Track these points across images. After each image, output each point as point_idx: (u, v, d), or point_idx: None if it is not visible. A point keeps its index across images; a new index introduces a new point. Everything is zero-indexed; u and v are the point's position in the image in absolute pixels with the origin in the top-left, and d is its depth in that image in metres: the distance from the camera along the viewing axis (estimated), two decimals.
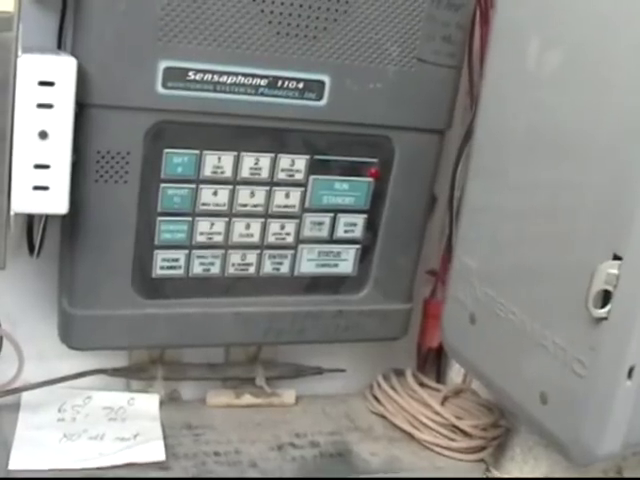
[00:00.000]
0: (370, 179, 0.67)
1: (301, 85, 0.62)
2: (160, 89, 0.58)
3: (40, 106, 0.56)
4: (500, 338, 0.60)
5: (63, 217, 0.60)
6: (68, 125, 0.56)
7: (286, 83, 0.61)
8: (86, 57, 0.57)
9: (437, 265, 0.76)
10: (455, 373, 0.80)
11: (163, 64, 0.58)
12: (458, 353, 0.66)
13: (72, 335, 0.64)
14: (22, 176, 0.56)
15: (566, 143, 0.55)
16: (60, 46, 0.62)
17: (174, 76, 0.58)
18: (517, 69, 0.59)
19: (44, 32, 0.61)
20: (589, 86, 0.53)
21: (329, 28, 0.61)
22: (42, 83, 0.55)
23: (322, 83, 0.62)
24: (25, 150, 0.56)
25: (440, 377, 0.81)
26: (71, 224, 0.60)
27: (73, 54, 0.57)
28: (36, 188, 0.57)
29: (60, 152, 0.57)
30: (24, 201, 0.57)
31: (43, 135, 0.56)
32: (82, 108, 0.58)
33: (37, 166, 0.56)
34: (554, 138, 0.56)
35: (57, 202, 0.58)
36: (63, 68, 0.55)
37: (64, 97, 0.56)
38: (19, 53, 0.54)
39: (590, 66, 0.53)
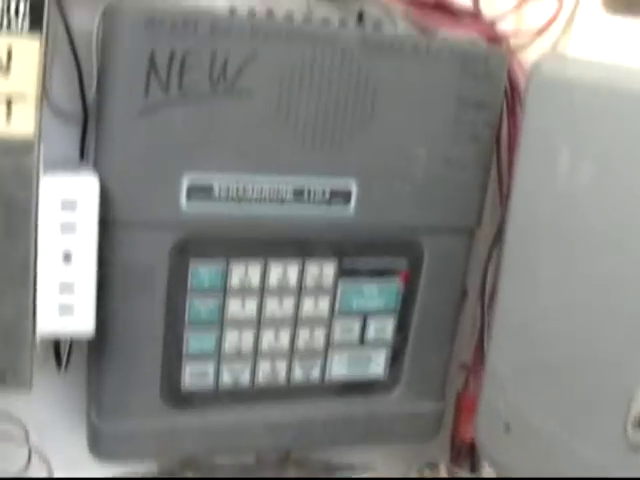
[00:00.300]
0: (400, 282, 0.63)
1: (328, 193, 0.59)
2: (184, 204, 0.56)
3: (63, 228, 0.53)
4: (536, 449, 0.56)
5: None
6: (92, 246, 0.54)
7: (312, 192, 0.58)
8: (108, 174, 0.54)
9: (469, 357, 0.72)
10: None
11: (187, 179, 0.55)
12: (492, 458, 0.62)
13: (101, 447, 0.61)
14: (47, 299, 0.54)
15: (601, 246, 0.52)
16: (83, 156, 0.59)
17: (198, 191, 0.56)
18: (547, 176, 0.55)
19: (66, 142, 0.58)
20: (623, 200, 0.50)
21: (355, 135, 0.58)
22: (64, 205, 0.53)
23: (349, 190, 0.59)
24: (49, 273, 0.53)
25: (475, 467, 0.77)
26: (98, 338, 0.57)
27: (95, 169, 0.55)
28: (61, 310, 0.54)
29: (85, 273, 0.54)
30: (49, 324, 0.54)
31: (67, 257, 0.53)
32: (106, 225, 0.55)
33: (62, 288, 0.54)
34: (588, 241, 0.53)
35: (83, 324, 0.55)
36: (85, 189, 0.53)
37: (87, 218, 0.53)
38: (40, 176, 0.52)
39: (623, 181, 0.50)
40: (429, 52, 0.58)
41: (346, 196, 0.59)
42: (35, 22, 0.50)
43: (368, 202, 0.60)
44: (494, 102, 0.61)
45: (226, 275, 0.59)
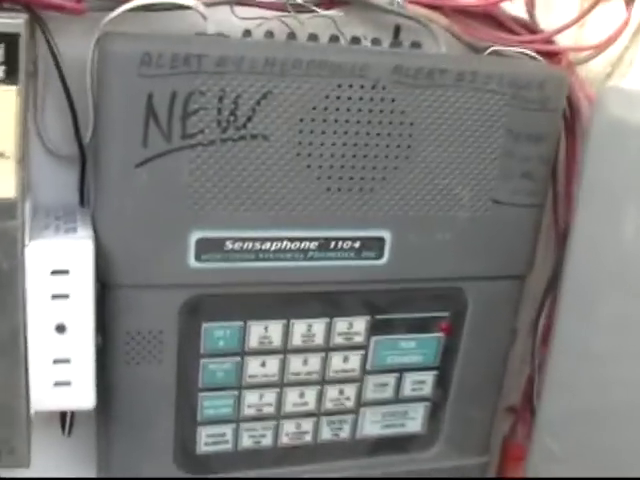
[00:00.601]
0: (440, 334, 0.53)
1: (357, 244, 0.49)
2: (193, 263, 0.46)
3: (55, 297, 0.44)
4: None
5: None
6: (88, 316, 0.45)
7: (340, 244, 0.48)
8: (107, 231, 0.45)
9: (516, 399, 0.62)
10: None
11: (195, 235, 0.46)
12: None
13: None
14: (41, 372, 0.45)
15: None
16: (83, 200, 0.50)
17: (209, 248, 0.46)
18: (611, 229, 0.45)
19: (64, 185, 0.49)
20: None
21: (388, 178, 0.48)
22: (55, 272, 0.44)
23: (382, 240, 0.49)
24: (42, 345, 0.45)
25: None
26: (104, 403, 0.49)
27: (93, 224, 0.46)
28: (57, 384, 0.46)
29: (81, 345, 0.45)
30: (45, 399, 0.46)
31: (60, 329, 0.45)
32: (106, 288, 0.46)
33: (56, 361, 0.45)
34: None
35: (82, 397, 0.46)
36: (78, 253, 0.44)
37: (81, 285, 0.44)
38: (26, 241, 0.43)
39: None
40: (475, 79, 0.47)
41: (379, 247, 0.49)
42: (11, 70, 0.40)
43: (403, 252, 0.49)
44: (551, 134, 0.50)
45: (243, 336, 0.50)
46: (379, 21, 0.51)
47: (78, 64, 0.46)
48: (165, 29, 0.48)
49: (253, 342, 0.50)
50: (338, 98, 0.46)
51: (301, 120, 0.45)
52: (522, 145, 0.50)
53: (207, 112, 0.44)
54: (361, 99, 0.46)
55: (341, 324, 0.51)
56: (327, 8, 0.49)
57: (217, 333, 0.49)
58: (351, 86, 0.45)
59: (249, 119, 0.45)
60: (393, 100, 0.47)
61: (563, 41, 0.53)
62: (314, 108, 0.45)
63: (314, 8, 0.48)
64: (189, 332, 0.48)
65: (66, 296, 0.44)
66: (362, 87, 0.46)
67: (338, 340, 0.51)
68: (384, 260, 0.49)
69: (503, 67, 0.49)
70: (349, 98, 0.46)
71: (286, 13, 0.48)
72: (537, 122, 0.49)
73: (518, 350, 0.61)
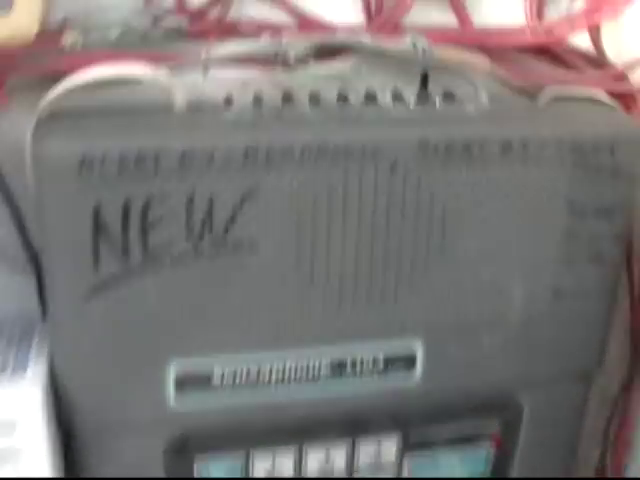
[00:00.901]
0: (489, 446, 0.41)
1: (381, 361, 0.36)
2: (173, 402, 0.34)
3: (2, 458, 0.33)
4: None
5: None
6: (44, 475, 0.34)
7: (359, 363, 0.36)
8: (65, 373, 0.33)
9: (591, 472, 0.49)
10: None
11: (173, 371, 0.33)
12: None
13: None
14: None
15: None
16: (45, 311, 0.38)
17: (191, 383, 0.34)
18: None
19: (25, 295, 0.37)
20: None
21: (416, 281, 0.34)
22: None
23: (412, 353, 0.36)
24: None
25: None
26: None
27: (51, 357, 0.34)
28: None
29: None
30: None
31: None
32: (72, 433, 0.35)
33: None
34: None
35: None
36: (25, 403, 0.32)
37: (33, 440, 0.33)
38: None
39: None
40: (526, 148, 0.34)
41: (409, 361, 0.36)
42: None
43: (441, 366, 0.36)
44: (625, 204, 0.36)
45: (246, 469, 0.37)
46: (402, 66, 0.38)
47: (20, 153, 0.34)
48: (124, 102, 0.35)
49: (259, 473, 0.38)
50: (345, 188, 0.32)
51: (298, 219, 0.32)
52: (589, 222, 0.36)
53: (173, 220, 0.31)
54: (376, 186, 0.33)
55: (367, 446, 0.38)
56: (330, 58, 0.36)
57: (213, 470, 0.37)
58: (362, 172, 0.32)
59: (229, 225, 0.32)
60: (419, 182, 0.33)
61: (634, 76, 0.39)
62: (315, 203, 0.32)
63: (310, 63, 0.35)
64: (179, 471, 0.37)
65: (16, 453, 0.33)
66: (377, 170, 0.32)
67: (364, 463, 0.39)
68: (416, 377, 0.36)
69: (562, 127, 0.34)
70: (360, 186, 0.33)
71: (275, 70, 0.35)
72: (607, 192, 0.35)
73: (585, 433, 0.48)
